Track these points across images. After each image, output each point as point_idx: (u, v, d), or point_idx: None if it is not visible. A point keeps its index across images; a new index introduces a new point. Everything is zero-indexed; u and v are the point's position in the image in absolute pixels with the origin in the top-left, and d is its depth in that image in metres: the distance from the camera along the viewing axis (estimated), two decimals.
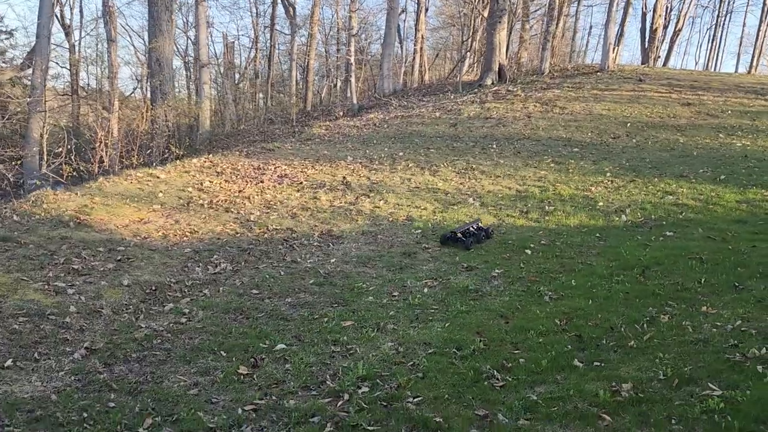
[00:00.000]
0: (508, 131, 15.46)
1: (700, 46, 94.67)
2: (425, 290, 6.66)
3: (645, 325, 5.32)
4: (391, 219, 9.58)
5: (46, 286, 6.16)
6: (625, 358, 4.75)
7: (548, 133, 15.08)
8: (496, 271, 7.14)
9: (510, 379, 4.49)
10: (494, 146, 14.07)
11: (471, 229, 8.39)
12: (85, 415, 4.08)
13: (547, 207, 9.88)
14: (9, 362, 4.72)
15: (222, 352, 5.13)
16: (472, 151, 13.78)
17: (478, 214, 9.67)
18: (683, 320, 5.36)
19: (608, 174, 11.54)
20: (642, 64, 28.53)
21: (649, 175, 11.41)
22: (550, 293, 6.35)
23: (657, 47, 30.95)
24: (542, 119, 16.37)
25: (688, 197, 10.01)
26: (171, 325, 5.71)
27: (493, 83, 21.78)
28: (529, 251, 7.81)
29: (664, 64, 31.56)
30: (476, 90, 21.16)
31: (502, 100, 18.97)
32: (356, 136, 16.16)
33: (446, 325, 5.65)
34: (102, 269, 6.84)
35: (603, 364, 4.67)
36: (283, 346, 5.27)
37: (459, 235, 8.19)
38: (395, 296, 6.53)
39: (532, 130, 15.35)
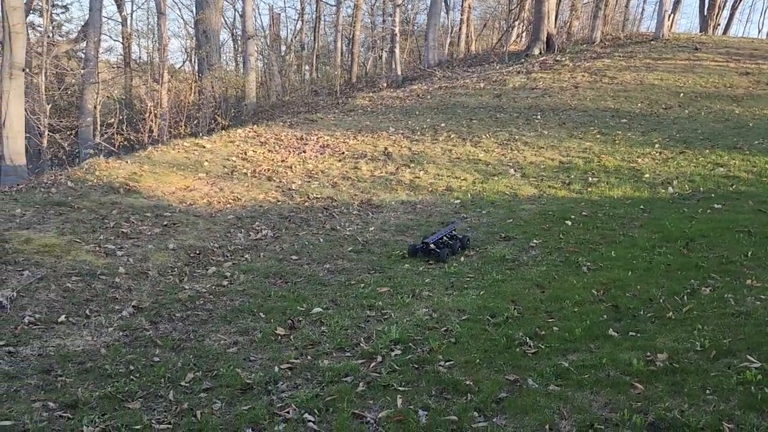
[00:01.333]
0: (553, 102, 15.14)
1: (765, 12, 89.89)
2: (461, 259, 6.68)
3: (685, 297, 5.23)
4: (430, 189, 9.59)
5: (98, 248, 6.44)
6: (662, 329, 4.69)
7: (596, 103, 14.71)
8: (535, 241, 7.09)
9: (542, 347, 4.50)
10: (539, 117, 13.83)
11: (445, 238, 6.92)
12: (132, 368, 4.30)
13: (590, 178, 9.71)
14: (62, 318, 4.99)
15: (261, 314, 5.29)
16: (515, 122, 13.58)
17: (519, 186, 9.58)
18: (725, 293, 5.24)
19: (657, 145, 11.22)
20: (700, 32, 27.36)
21: (700, 146, 11.04)
22: (588, 264, 6.28)
23: (717, 14, 29.61)
24: (590, 89, 15.97)
25: (740, 169, 9.67)
26: (213, 287, 5.91)
27: (540, 53, 21.29)
28: (569, 222, 7.71)
29: (724, 33, 30.19)
30: (523, 60, 20.74)
31: (549, 70, 18.55)
32: (399, 107, 16.11)
33: (481, 293, 5.68)
34: (149, 233, 7.10)
35: (639, 335, 4.62)
36: (320, 309, 5.40)
37: (432, 246, 6.68)
38: (431, 264, 6.57)
39: (579, 101, 15.00)
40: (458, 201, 9.00)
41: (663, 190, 9.01)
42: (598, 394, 3.81)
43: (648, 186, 9.26)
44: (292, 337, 4.87)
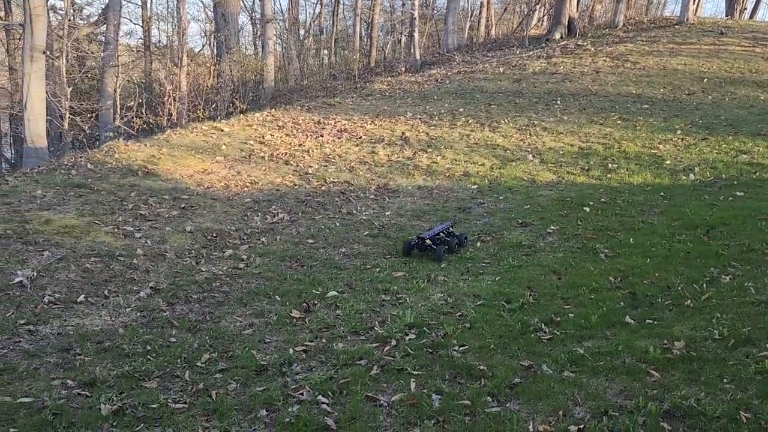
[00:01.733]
0: (574, 87, 14.95)
1: None
2: (478, 244, 6.65)
3: (704, 285, 5.16)
4: (447, 174, 9.54)
5: (116, 230, 6.51)
6: (679, 317, 4.64)
7: (617, 89, 14.49)
8: (552, 227, 7.03)
9: (557, 333, 4.48)
10: (558, 102, 13.66)
11: (441, 234, 6.54)
12: (149, 348, 4.35)
13: (610, 165, 9.59)
14: (81, 298, 5.06)
15: (276, 297, 5.32)
16: (534, 107, 13.44)
17: (537, 171, 9.49)
18: (746, 281, 5.16)
19: (679, 131, 11.04)
20: (726, 16, 26.77)
21: (723, 133, 10.85)
22: (606, 251, 6.22)
23: None
24: (612, 74, 15.73)
25: (764, 156, 9.48)
26: (230, 269, 5.95)
27: (561, 37, 21.00)
28: (587, 209, 7.63)
29: (751, 17, 29.50)
30: (543, 45, 20.47)
31: (570, 54, 18.30)
32: (417, 91, 16.01)
33: (497, 278, 5.65)
34: (167, 216, 7.16)
35: (656, 322, 4.57)
36: (335, 293, 5.42)
37: (428, 242, 6.35)
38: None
39: (600, 86, 14.79)
40: (475, 186, 8.95)
41: (684, 177, 8.87)
42: (613, 381, 3.78)
43: (669, 173, 9.12)
44: (307, 320, 4.89)
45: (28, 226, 6.18)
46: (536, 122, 12.10)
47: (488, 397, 3.66)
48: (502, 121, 12.25)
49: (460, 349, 4.29)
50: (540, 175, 9.32)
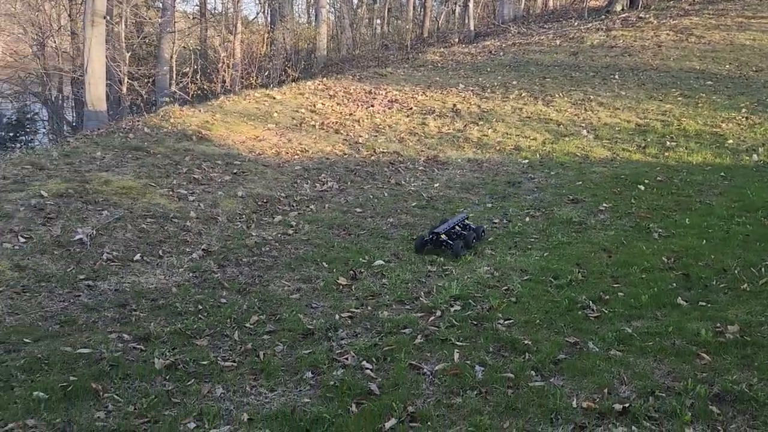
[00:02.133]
0: (633, 61, 14.43)
1: None
2: (527, 219, 6.57)
3: (763, 270, 4.97)
4: (498, 148, 9.41)
5: (171, 193, 6.69)
6: (734, 301, 4.50)
7: (679, 64, 13.92)
8: (604, 204, 6.88)
9: (606, 312, 4.41)
10: (616, 77, 13.23)
11: (457, 228, 5.93)
12: (200, 307, 4.49)
13: (668, 142, 9.27)
14: (137, 256, 5.25)
15: (324, 264, 5.40)
16: (591, 81, 13.05)
17: (591, 147, 9.26)
18: None
19: (743, 110, 10.56)
20: None
21: None
22: (660, 230, 6.05)
23: None
24: (674, 49, 15.10)
25: None
26: (279, 235, 6.06)
27: (623, 9, 20.23)
28: (642, 187, 7.42)
29: None
30: (603, 17, 19.77)
31: (631, 27, 17.63)
32: (470, 63, 15.75)
33: (545, 254, 5.58)
34: (219, 180, 7.31)
35: (709, 305, 4.45)
36: (382, 262, 5.45)
37: (443, 237, 5.71)
38: (495, 223, 6.50)
39: (662, 61, 14.23)
40: (526, 161, 8.81)
41: (747, 158, 8.51)
42: (661, 362, 3.71)
43: (731, 152, 8.76)
44: (353, 287, 4.95)
45: (88, 186, 6.41)
46: (592, 97, 11.76)
47: (532, 371, 3.65)
48: (557, 95, 11.96)
49: (505, 322, 4.28)
50: (594, 152, 9.09)
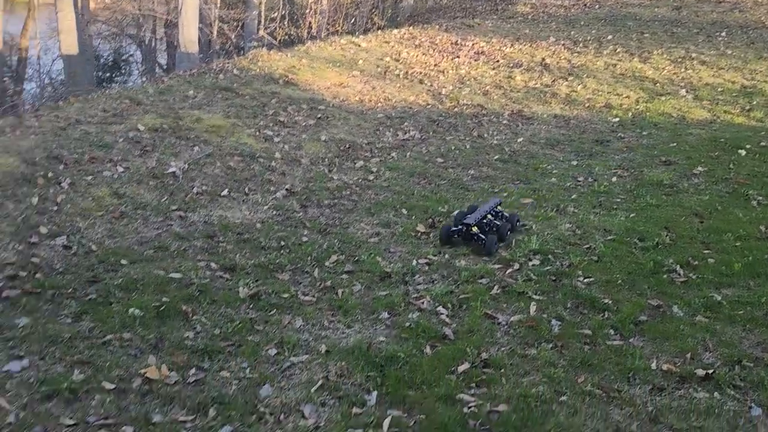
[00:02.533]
0: (744, 18, 13.38)
1: None
2: (613, 179, 6.33)
3: None
4: (587, 105, 9.05)
5: (257, 133, 6.86)
6: None
7: None
8: (699, 168, 6.52)
9: (693, 277, 4.23)
10: (723, 34, 12.33)
11: (489, 217, 4.91)
12: (282, 243, 4.64)
13: None
14: (225, 192, 5.45)
15: (403, 210, 5.43)
16: (694, 38, 12.23)
17: (689, 108, 8.74)
18: None
19: None
20: None
21: None
22: (759, 198, 5.69)
23: None
24: None
25: None
26: (359, 180, 6.12)
27: None
28: (743, 152, 6.96)
29: None
30: None
31: None
32: (562, 16, 15.07)
33: (631, 215, 5.38)
34: (304, 124, 7.42)
35: None
36: None
37: (474, 229, 4.73)
38: (580, 181, 6.30)
39: None
40: (617, 120, 8.43)
41: None
42: (751, 332, 3.56)
43: None
44: (431, 235, 4.97)
45: (181, 123, 6.66)
46: (694, 55, 11.03)
47: (610, 330, 3.58)
48: (655, 52, 11.29)
49: (585, 280, 4.19)
50: (691, 112, 8.59)
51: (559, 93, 9.48)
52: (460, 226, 4.77)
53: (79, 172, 5.27)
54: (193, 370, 3.12)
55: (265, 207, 5.30)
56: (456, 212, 5.19)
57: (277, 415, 2.84)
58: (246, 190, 5.58)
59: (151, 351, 3.25)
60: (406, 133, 7.61)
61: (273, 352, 3.32)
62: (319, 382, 3.05)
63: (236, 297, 3.83)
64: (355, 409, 2.88)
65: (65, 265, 4.03)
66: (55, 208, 4.70)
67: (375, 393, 2.99)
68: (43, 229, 4.39)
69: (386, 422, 2.77)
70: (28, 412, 2.72)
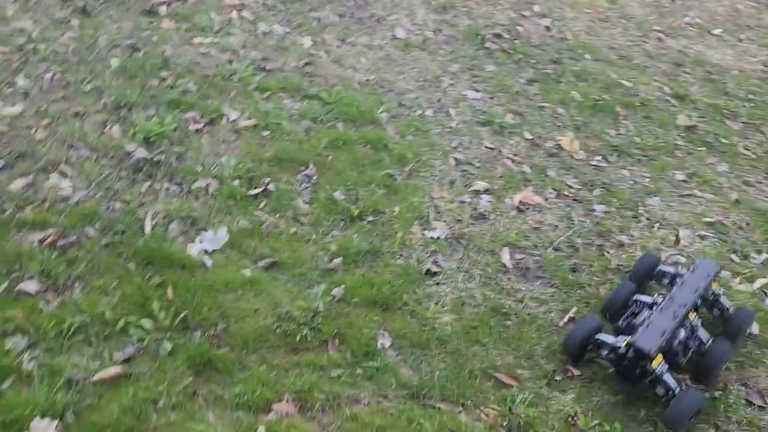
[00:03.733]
0: None
1: None
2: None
3: None
4: None
5: None
6: None
7: None
8: None
9: None
10: None
11: (691, 321, 2.21)
12: (750, 97, 4.18)
13: None
14: (718, 31, 5.00)
15: None
16: None
17: None
18: None
19: None
20: None
21: None
22: None
23: None
24: None
25: None
26: None
27: None
28: None
29: None
30: None
31: None
32: None
33: None
34: None
35: None
36: None
37: (655, 364, 2.05)
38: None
39: None
40: None
41: None
42: None
43: None
44: None
45: None
46: None
47: None
48: None
49: None
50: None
51: None
52: (624, 352, 2.11)
53: None
54: (598, 157, 3.33)
55: (755, 59, 4.73)
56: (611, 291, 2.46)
57: (651, 223, 2.90)
58: (742, 36, 5.01)
59: (572, 128, 3.54)
60: None
61: (680, 177, 3.27)
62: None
63: (672, 122, 3.75)
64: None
65: (540, 41, 4.46)
66: None
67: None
68: (536, 8, 4.85)
69: None
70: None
